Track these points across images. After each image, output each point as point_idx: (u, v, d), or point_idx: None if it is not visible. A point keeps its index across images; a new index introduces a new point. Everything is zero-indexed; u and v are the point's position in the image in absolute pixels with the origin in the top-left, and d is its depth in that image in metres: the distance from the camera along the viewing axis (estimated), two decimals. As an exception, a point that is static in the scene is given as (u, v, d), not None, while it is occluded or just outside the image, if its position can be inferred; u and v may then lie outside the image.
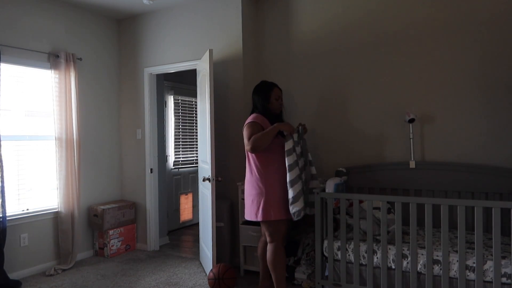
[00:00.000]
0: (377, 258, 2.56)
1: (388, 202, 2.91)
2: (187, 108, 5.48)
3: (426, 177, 3.01)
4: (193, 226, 5.52)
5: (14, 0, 3.49)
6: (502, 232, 2.73)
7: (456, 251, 2.36)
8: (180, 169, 5.33)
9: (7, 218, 3.34)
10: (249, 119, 2.71)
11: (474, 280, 2.26)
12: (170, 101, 5.16)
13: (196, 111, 5.64)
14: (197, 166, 5.66)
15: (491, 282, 2.21)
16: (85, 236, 4.10)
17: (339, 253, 2.69)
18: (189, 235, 5.00)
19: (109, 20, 4.41)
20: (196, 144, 5.65)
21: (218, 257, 3.61)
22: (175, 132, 5.23)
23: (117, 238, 4.09)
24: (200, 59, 3.82)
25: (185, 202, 5.45)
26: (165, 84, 5.00)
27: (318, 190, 2.74)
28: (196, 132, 5.64)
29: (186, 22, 3.98)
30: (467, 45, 2.95)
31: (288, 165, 2.60)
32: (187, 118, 5.48)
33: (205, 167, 3.43)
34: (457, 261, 2.29)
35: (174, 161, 5.21)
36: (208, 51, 3.20)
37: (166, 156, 5.01)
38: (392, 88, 3.24)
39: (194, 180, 5.62)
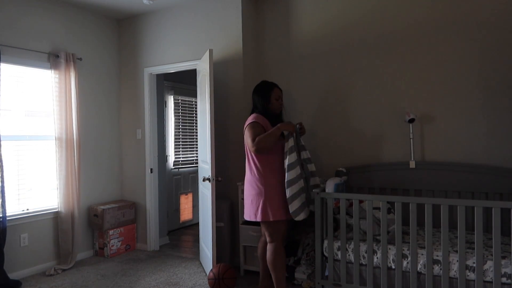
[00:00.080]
0: (377, 258, 2.56)
1: (388, 202, 2.91)
2: (187, 108, 5.48)
3: (426, 177, 3.01)
4: (193, 226, 5.52)
5: (14, 0, 3.49)
6: (502, 232, 2.73)
7: (456, 251, 2.36)
8: (180, 169, 5.33)
9: (7, 218, 3.34)
10: (250, 119, 2.71)
11: (474, 280, 2.26)
12: (170, 101, 5.16)
13: (196, 111, 5.64)
14: (197, 166, 5.66)
15: (491, 282, 2.21)
16: (85, 236, 4.10)
17: (339, 253, 2.70)
18: (189, 235, 5.00)
19: (109, 20, 4.41)
20: (196, 144, 5.65)
21: (218, 257, 3.61)
22: (175, 132, 5.23)
23: (117, 238, 4.09)
24: (200, 59, 3.82)
25: (185, 202, 5.45)
26: (165, 84, 5.00)
27: (318, 190, 2.74)
28: (196, 132, 5.64)
29: (186, 22, 3.98)
30: (467, 45, 2.95)
31: (288, 165, 2.60)
32: (187, 118, 5.48)
33: (205, 167, 3.43)
34: (457, 261, 2.29)
35: (174, 161, 5.21)
36: (208, 51, 3.20)
37: (166, 156, 5.01)
38: (392, 88, 3.24)
39: (194, 180, 5.62)
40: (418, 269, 2.42)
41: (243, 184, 3.32)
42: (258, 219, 2.66)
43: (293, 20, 3.71)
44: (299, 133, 2.79)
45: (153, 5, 4.00)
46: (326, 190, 2.90)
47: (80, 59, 3.97)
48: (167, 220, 4.94)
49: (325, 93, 3.55)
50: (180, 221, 5.35)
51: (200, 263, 3.78)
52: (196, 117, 5.64)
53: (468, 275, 2.27)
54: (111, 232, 4.03)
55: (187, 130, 5.49)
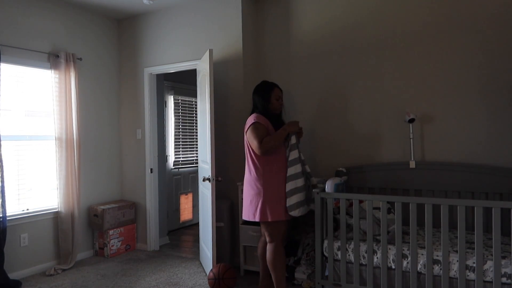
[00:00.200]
0: (377, 258, 2.56)
1: (388, 202, 2.91)
2: (187, 108, 5.48)
3: (426, 177, 3.01)
4: (193, 226, 5.52)
5: (14, 0, 3.49)
6: (502, 232, 2.73)
7: (456, 251, 2.36)
8: (180, 169, 5.33)
9: (7, 218, 3.34)
10: (251, 120, 2.71)
11: (474, 280, 2.26)
12: (170, 101, 5.16)
13: (196, 111, 5.64)
14: (197, 166, 5.66)
15: (491, 282, 2.21)
16: (85, 236, 4.10)
17: (339, 253, 2.70)
18: (189, 235, 5.00)
19: (109, 20, 4.41)
20: (196, 144, 5.65)
21: (218, 257, 3.61)
22: (175, 132, 5.23)
23: (117, 238, 4.09)
24: (200, 59, 3.82)
25: (185, 202, 5.45)
26: (165, 84, 5.00)
27: (318, 190, 2.75)
28: (196, 132, 5.64)
29: (186, 22, 3.98)
30: (467, 45, 2.95)
31: (290, 160, 2.65)
32: (187, 118, 5.48)
33: (205, 167, 3.43)
34: (457, 261, 2.29)
35: (174, 161, 5.21)
36: (208, 51, 3.20)
37: (166, 156, 5.01)
38: (392, 88, 3.24)
39: (194, 180, 5.62)
40: (418, 269, 2.42)
41: (243, 184, 3.31)
42: (257, 219, 2.66)
43: (293, 20, 3.71)
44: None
45: (153, 5, 4.00)
46: (326, 190, 2.90)
47: (80, 59, 3.97)
48: (167, 220, 4.94)
49: (325, 93, 3.55)
50: (180, 221, 5.35)
51: (200, 263, 3.78)
52: (196, 117, 5.64)
53: (468, 275, 2.27)
54: (111, 232, 4.03)
55: (187, 130, 5.49)
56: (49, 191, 3.80)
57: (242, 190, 3.37)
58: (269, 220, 2.63)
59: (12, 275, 3.41)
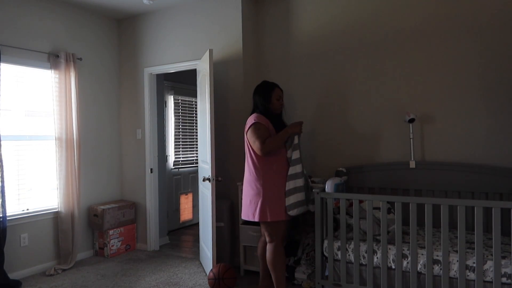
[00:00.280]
0: (377, 258, 2.56)
1: (388, 202, 2.91)
2: (187, 108, 5.48)
3: (426, 177, 3.01)
4: (193, 226, 5.52)
5: (14, 0, 3.49)
6: (502, 232, 2.73)
7: (456, 251, 2.36)
8: (180, 169, 5.33)
9: (7, 218, 3.34)
10: (252, 120, 2.72)
11: (474, 280, 2.26)
12: (170, 101, 5.16)
13: (196, 111, 5.64)
14: (197, 166, 5.66)
15: (491, 282, 2.21)
16: (85, 236, 4.10)
17: (339, 253, 2.70)
18: (189, 235, 5.00)
19: (109, 20, 4.41)
20: (196, 144, 5.65)
21: (218, 257, 3.61)
22: (175, 132, 5.23)
23: (117, 238, 4.09)
24: (200, 59, 3.82)
25: (185, 202, 5.45)
26: (165, 84, 5.00)
27: (318, 190, 2.75)
28: (196, 132, 5.64)
29: (186, 22, 3.98)
30: (467, 45, 2.95)
31: (293, 160, 2.67)
32: (187, 118, 5.48)
33: (205, 167, 3.43)
34: (457, 261, 2.29)
35: (174, 161, 5.21)
36: (208, 51, 3.20)
37: (166, 156, 5.01)
38: (392, 88, 3.24)
39: (194, 180, 5.62)
40: (418, 269, 2.42)
41: (243, 184, 3.31)
42: (256, 219, 2.67)
43: (293, 20, 3.71)
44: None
45: (153, 5, 4.00)
46: (326, 190, 2.90)
47: (80, 59, 3.97)
48: (167, 220, 4.94)
49: (325, 93, 3.55)
50: (180, 221, 5.35)
51: (200, 263, 3.78)
52: (196, 117, 5.64)
53: (468, 275, 2.27)
54: (111, 232, 4.03)
55: (187, 130, 5.49)
56: (49, 191, 3.80)
57: (242, 190, 3.37)
58: (269, 220, 2.63)
59: (12, 275, 3.41)
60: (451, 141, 3.01)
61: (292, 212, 2.64)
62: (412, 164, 3.05)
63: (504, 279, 2.18)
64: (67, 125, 3.77)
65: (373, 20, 3.31)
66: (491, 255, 2.29)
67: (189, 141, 5.53)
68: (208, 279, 3.08)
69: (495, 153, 2.86)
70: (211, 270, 3.09)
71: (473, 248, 2.41)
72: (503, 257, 2.24)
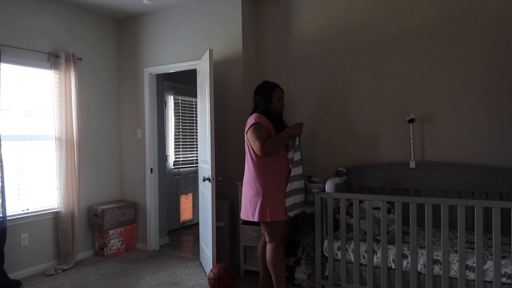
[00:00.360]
0: (377, 258, 2.56)
1: (388, 202, 2.91)
2: (187, 108, 5.48)
3: (426, 177, 3.01)
4: (193, 226, 5.52)
5: (14, 0, 3.49)
6: (502, 232, 2.73)
7: (456, 251, 2.36)
8: (180, 169, 5.33)
9: (7, 218, 3.34)
10: (252, 120, 2.72)
11: (474, 280, 2.26)
12: (170, 101, 5.16)
13: (196, 111, 5.64)
14: (197, 166, 5.66)
15: (491, 282, 2.21)
16: (85, 236, 4.10)
17: (339, 253, 2.70)
18: (189, 235, 5.00)
19: (109, 20, 4.41)
20: (196, 144, 5.65)
21: (218, 257, 3.61)
22: (175, 132, 5.23)
23: (117, 238, 4.09)
24: (200, 59, 3.82)
25: (185, 202, 5.45)
26: (165, 84, 5.00)
27: (318, 190, 2.75)
28: (196, 132, 5.64)
29: (186, 22, 3.98)
30: (467, 45, 2.95)
31: (295, 161, 2.67)
32: (187, 118, 5.48)
33: (205, 167, 3.43)
34: (457, 261, 2.29)
35: (174, 161, 5.21)
36: (208, 51, 3.20)
37: (166, 156, 5.01)
38: (392, 88, 3.24)
39: (194, 180, 5.62)
40: (418, 269, 2.42)
41: (242, 184, 3.32)
42: (256, 219, 2.67)
43: (293, 20, 3.71)
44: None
45: (153, 5, 4.00)
46: (326, 190, 2.90)
47: (80, 59, 3.97)
48: (167, 220, 4.94)
49: (325, 93, 3.55)
50: (180, 221, 5.35)
51: (200, 263, 3.78)
52: (196, 117, 5.64)
53: (468, 275, 2.27)
54: (111, 232, 4.03)
55: (187, 130, 5.49)
56: (49, 191, 3.80)
57: (242, 190, 3.37)
58: (268, 220, 2.63)
59: (12, 275, 3.41)
60: (451, 141, 3.01)
61: (291, 214, 2.64)
62: (412, 164, 3.05)
63: (504, 279, 2.18)
64: (67, 125, 3.77)
65: (373, 20, 3.31)
66: (491, 255, 2.29)
67: (189, 141, 5.53)
68: (208, 279, 3.08)
69: (495, 153, 2.86)
70: (211, 270, 3.09)
71: (473, 248, 2.41)
72: (503, 257, 2.24)
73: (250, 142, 2.70)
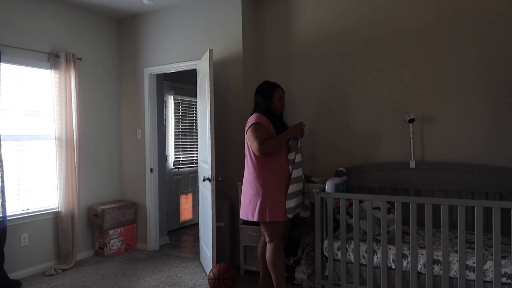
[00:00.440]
0: (377, 258, 2.56)
1: (388, 202, 2.91)
2: (187, 108, 5.48)
3: (426, 177, 3.01)
4: (193, 226, 5.52)
5: (14, 0, 3.49)
6: (502, 232, 2.73)
7: (456, 251, 2.36)
8: (180, 169, 5.33)
9: (7, 218, 3.34)
10: (252, 120, 2.72)
11: (474, 280, 2.26)
12: (170, 101, 5.16)
13: (196, 111, 5.64)
14: (197, 166, 5.66)
15: (491, 282, 2.21)
16: (85, 236, 4.10)
17: (339, 253, 2.70)
18: (189, 235, 5.00)
19: (109, 20, 4.41)
20: (196, 144, 5.65)
21: (218, 257, 3.61)
22: (175, 132, 5.23)
23: (117, 238, 4.09)
24: (200, 59, 3.82)
25: (185, 202, 5.45)
26: (165, 84, 5.00)
27: (318, 190, 2.75)
28: (196, 132, 5.64)
29: (186, 22, 3.98)
30: (467, 45, 2.95)
31: (296, 163, 2.67)
32: (187, 118, 5.48)
33: (205, 167, 3.43)
34: (457, 261, 2.29)
35: (174, 161, 5.21)
36: (208, 51, 3.20)
37: (166, 156, 5.01)
38: (392, 88, 3.24)
39: (194, 180, 5.62)
40: (418, 269, 2.42)
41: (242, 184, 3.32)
42: (255, 219, 2.67)
43: (293, 20, 3.71)
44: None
45: (153, 5, 4.00)
46: (326, 190, 2.90)
47: (80, 59, 3.97)
48: (167, 220, 4.94)
49: (325, 93, 3.55)
50: (180, 221, 5.35)
51: (200, 263, 3.78)
52: (196, 117, 5.64)
53: (468, 275, 2.27)
54: (111, 232, 4.03)
55: (187, 130, 5.49)
56: (49, 191, 3.80)
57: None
58: (268, 220, 2.63)
59: (12, 275, 3.41)
60: (451, 141, 3.01)
61: (291, 215, 2.63)
62: (412, 164, 3.05)
63: (504, 279, 2.18)
64: (67, 125, 3.77)
65: (373, 20, 3.31)
66: (491, 255, 2.29)
67: (189, 141, 5.53)
68: (208, 279, 3.08)
69: (495, 153, 2.86)
70: (211, 270, 3.09)
71: (473, 248, 2.41)
72: (503, 257, 2.24)
73: (249, 142, 2.70)
